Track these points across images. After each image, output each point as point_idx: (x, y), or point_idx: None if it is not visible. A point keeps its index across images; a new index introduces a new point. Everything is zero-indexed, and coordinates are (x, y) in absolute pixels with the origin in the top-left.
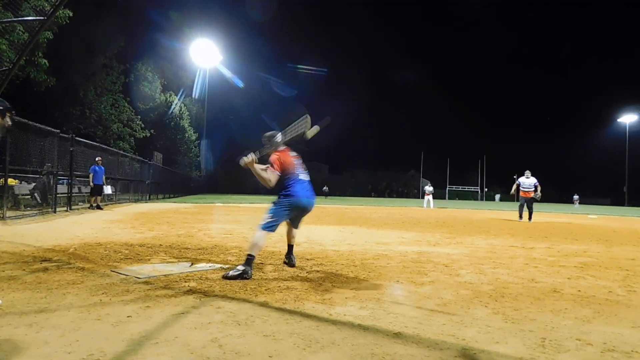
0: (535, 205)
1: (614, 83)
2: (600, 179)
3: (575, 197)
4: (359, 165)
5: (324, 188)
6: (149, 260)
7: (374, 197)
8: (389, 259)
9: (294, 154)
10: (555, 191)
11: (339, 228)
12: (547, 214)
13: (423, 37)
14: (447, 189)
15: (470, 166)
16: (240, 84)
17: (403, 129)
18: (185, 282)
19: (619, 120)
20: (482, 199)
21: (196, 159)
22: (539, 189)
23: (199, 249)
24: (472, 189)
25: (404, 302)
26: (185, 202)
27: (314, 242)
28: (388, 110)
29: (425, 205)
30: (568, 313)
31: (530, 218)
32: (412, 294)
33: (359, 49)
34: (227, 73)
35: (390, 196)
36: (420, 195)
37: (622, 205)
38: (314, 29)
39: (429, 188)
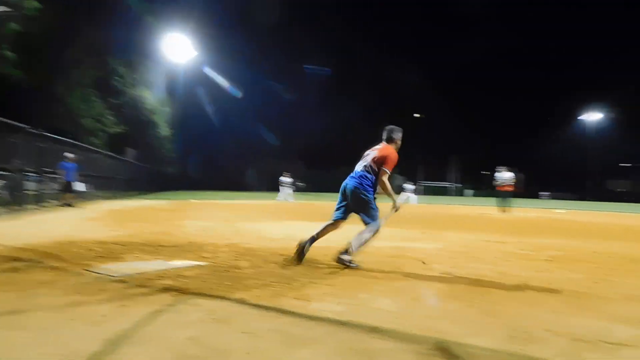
0: (506, 201)
1: (576, 82)
2: (566, 174)
3: (542, 193)
4: (335, 161)
5: (300, 183)
6: (124, 258)
7: None
8: (365, 254)
9: (378, 146)
10: (524, 186)
11: (315, 223)
12: (517, 209)
13: (405, 37)
14: (422, 184)
15: (444, 163)
16: (238, 94)
17: (374, 123)
18: (161, 280)
19: (580, 117)
20: (455, 195)
21: (171, 155)
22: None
23: (175, 246)
24: (446, 184)
25: (381, 297)
26: (159, 199)
27: (290, 238)
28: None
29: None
30: (538, 305)
31: (507, 211)
32: (388, 288)
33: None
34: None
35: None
36: (395, 190)
37: (586, 199)
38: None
39: (409, 186)
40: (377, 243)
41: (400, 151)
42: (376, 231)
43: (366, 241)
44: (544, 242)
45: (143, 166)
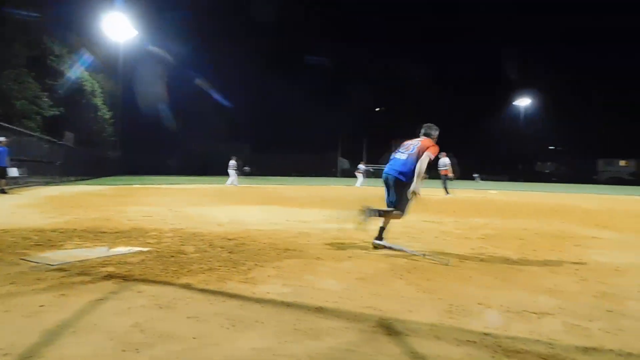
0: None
1: (510, 68)
2: (498, 157)
3: (475, 175)
4: (281, 145)
5: (245, 167)
6: (63, 246)
7: (295, 176)
8: (310, 236)
9: (419, 139)
10: (461, 169)
11: (262, 207)
12: (454, 190)
13: (334, 22)
14: (364, 168)
15: (385, 146)
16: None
17: (322, 109)
18: (103, 267)
19: (514, 103)
20: None
21: (111, 139)
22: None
23: (117, 232)
24: (367, 167)
25: (325, 278)
26: (100, 184)
27: (236, 222)
28: (307, 92)
29: (358, 184)
30: (472, 281)
31: (448, 193)
32: (333, 269)
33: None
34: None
35: (310, 175)
36: (339, 174)
37: (517, 181)
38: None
39: (362, 167)
40: (322, 225)
41: (346, 134)
42: (397, 216)
43: (382, 214)
44: (478, 222)
45: (82, 150)
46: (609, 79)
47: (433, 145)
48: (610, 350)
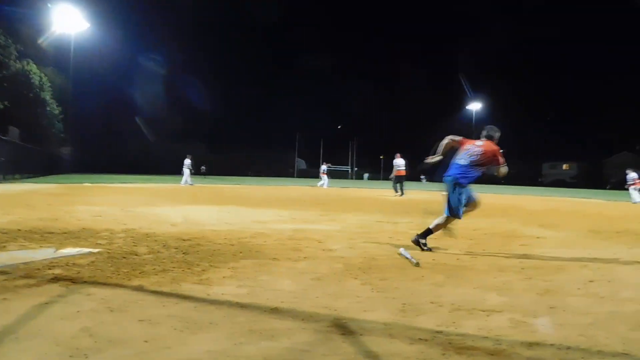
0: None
1: (464, 71)
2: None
3: (422, 176)
4: (237, 144)
5: (202, 167)
6: (5, 247)
7: (251, 176)
8: (266, 237)
9: (480, 142)
10: (415, 169)
11: (217, 208)
12: (410, 191)
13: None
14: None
15: (342, 147)
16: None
17: (279, 110)
18: (50, 269)
19: (467, 107)
20: (352, 178)
21: (61, 135)
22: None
23: (65, 233)
24: (344, 168)
25: (281, 279)
26: (48, 183)
27: (191, 222)
28: (264, 90)
29: (319, 184)
30: (425, 280)
31: (402, 193)
32: (288, 270)
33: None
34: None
35: (267, 175)
36: (296, 174)
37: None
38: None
39: (324, 167)
40: (279, 225)
41: (305, 134)
42: (447, 220)
43: (437, 226)
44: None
45: (29, 147)
46: (554, 87)
47: (497, 150)
48: (552, 344)
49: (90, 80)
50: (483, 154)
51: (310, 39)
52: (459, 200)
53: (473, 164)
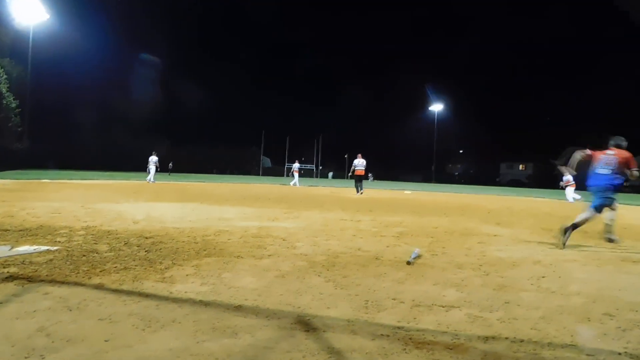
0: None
1: (425, 74)
2: (414, 158)
3: (370, 174)
4: (201, 141)
5: (169, 165)
6: None
7: (215, 173)
8: (230, 234)
9: (611, 152)
10: (381, 169)
11: (181, 205)
12: (371, 190)
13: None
14: (286, 166)
15: (307, 145)
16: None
17: (244, 106)
18: (4, 267)
19: (430, 108)
20: (317, 176)
21: (18, 129)
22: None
23: (22, 230)
24: (309, 166)
25: (245, 276)
26: (3, 178)
27: (153, 220)
28: (229, 86)
29: (292, 183)
30: (387, 276)
31: (361, 192)
32: (252, 267)
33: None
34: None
35: (232, 172)
36: (262, 172)
37: (430, 181)
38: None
39: (296, 165)
40: (243, 223)
41: (271, 133)
42: (592, 214)
43: (583, 220)
44: (393, 220)
45: None
46: (512, 90)
47: (631, 156)
48: (506, 338)
49: (50, 73)
50: (619, 161)
51: (272, 33)
52: (605, 200)
53: (614, 172)
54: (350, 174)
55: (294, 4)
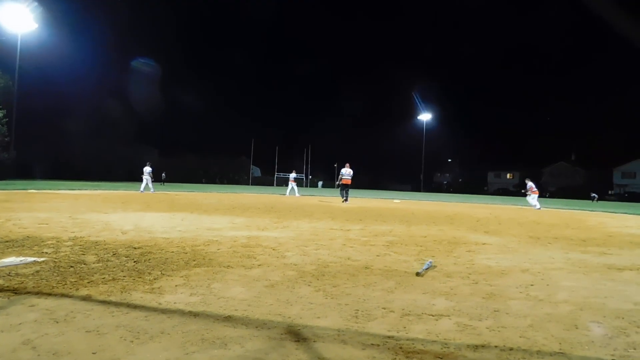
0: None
1: (413, 84)
2: (402, 167)
3: (320, 182)
4: (190, 150)
5: (162, 175)
6: None
7: (205, 182)
8: (219, 244)
9: None
10: (368, 177)
11: (170, 215)
12: (361, 199)
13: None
14: (275, 175)
15: (297, 155)
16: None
17: (234, 115)
18: None
19: (418, 117)
20: (306, 186)
21: (5, 139)
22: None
23: (7, 241)
24: (298, 176)
25: (234, 286)
26: None
27: (142, 230)
28: (219, 96)
29: (288, 193)
30: (376, 286)
31: (345, 200)
32: (242, 277)
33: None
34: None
35: (221, 182)
36: (251, 182)
37: (419, 190)
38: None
39: (292, 175)
40: (232, 233)
41: (260, 144)
42: None
43: None
44: (383, 229)
45: None
46: (499, 99)
47: None
48: (496, 346)
49: (38, 82)
50: None
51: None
52: None
53: None
54: (337, 182)
55: (286, 14)
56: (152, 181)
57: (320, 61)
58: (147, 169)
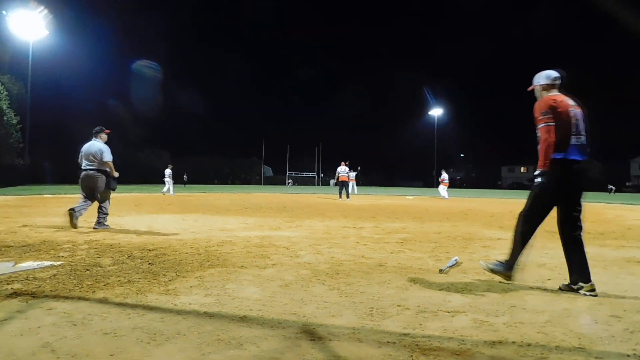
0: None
1: (424, 79)
2: (414, 164)
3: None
4: (201, 152)
5: (184, 176)
6: None
7: (217, 183)
8: (233, 244)
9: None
10: (380, 174)
11: (182, 216)
12: (373, 196)
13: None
14: (287, 174)
15: (308, 153)
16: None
17: (244, 116)
18: (8, 284)
19: (429, 113)
20: (318, 184)
21: (20, 145)
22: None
23: (24, 246)
24: (310, 174)
25: (249, 286)
26: (5, 194)
27: (156, 232)
28: (229, 96)
29: (342, 195)
30: (391, 283)
31: (348, 197)
32: (256, 277)
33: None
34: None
35: (233, 183)
36: (263, 182)
37: (432, 187)
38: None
39: (348, 172)
40: (245, 233)
41: (271, 143)
42: None
43: None
44: (396, 226)
45: None
46: (510, 92)
47: None
48: (513, 342)
49: (50, 88)
50: None
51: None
52: None
53: None
54: (334, 181)
55: (294, 13)
56: (173, 183)
57: (331, 58)
58: (168, 171)
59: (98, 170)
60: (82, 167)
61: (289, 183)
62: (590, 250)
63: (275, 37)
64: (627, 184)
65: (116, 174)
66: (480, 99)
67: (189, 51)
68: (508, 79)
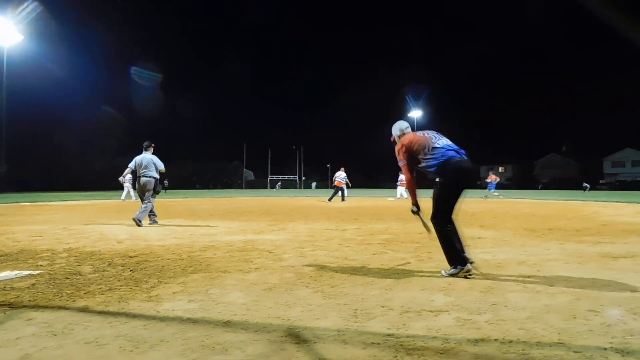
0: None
1: (404, 80)
2: (395, 165)
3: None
4: (182, 156)
5: (165, 182)
6: None
7: (198, 188)
8: (216, 249)
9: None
10: (364, 177)
11: (165, 222)
12: (356, 198)
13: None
14: (269, 178)
15: (290, 157)
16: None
17: (226, 119)
18: None
19: (409, 115)
20: (300, 187)
21: None
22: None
23: (1, 255)
24: (292, 177)
25: (233, 291)
26: None
27: (138, 238)
28: (210, 101)
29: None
30: (375, 284)
31: (331, 199)
32: (239, 281)
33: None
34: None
35: (215, 187)
36: (244, 185)
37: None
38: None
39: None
40: (228, 237)
41: (253, 146)
42: None
43: None
44: (379, 227)
45: None
46: (491, 92)
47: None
48: (496, 339)
49: (27, 94)
50: None
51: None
52: None
53: None
54: (333, 185)
55: (278, 19)
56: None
57: (312, 62)
58: (129, 177)
59: (151, 177)
60: (138, 175)
61: (278, 185)
62: (568, 247)
63: (256, 43)
64: (601, 181)
65: (165, 181)
66: (458, 101)
67: (172, 59)
68: (485, 80)
